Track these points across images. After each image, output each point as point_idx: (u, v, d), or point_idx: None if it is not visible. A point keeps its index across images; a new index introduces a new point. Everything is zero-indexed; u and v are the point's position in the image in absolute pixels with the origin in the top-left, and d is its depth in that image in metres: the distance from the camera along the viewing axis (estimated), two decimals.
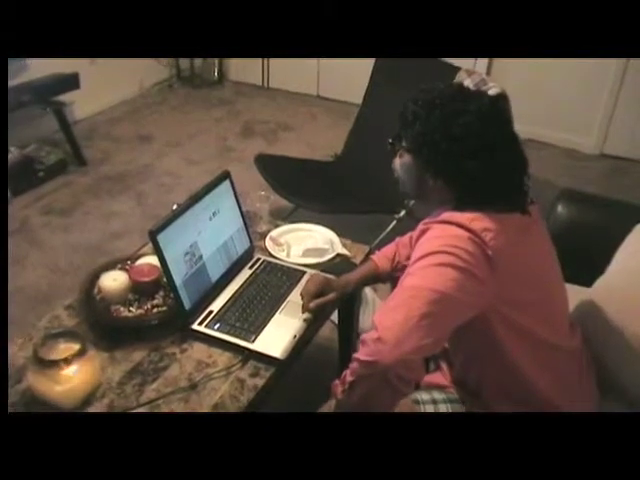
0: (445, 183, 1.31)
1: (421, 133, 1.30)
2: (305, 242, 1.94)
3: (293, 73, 4.92)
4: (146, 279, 1.62)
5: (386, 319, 1.21)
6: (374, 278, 1.72)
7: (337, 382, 1.31)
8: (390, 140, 1.39)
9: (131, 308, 1.59)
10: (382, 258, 1.70)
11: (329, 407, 1.35)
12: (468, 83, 2.71)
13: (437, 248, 1.23)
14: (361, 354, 1.22)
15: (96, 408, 1.36)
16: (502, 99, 2.65)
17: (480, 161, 1.26)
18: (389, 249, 1.72)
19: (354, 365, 1.24)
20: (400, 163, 1.38)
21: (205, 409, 1.35)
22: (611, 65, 3.86)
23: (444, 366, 1.56)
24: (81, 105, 4.24)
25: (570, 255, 1.57)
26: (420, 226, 1.36)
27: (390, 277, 1.69)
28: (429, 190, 1.34)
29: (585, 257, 1.84)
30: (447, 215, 1.28)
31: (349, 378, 1.26)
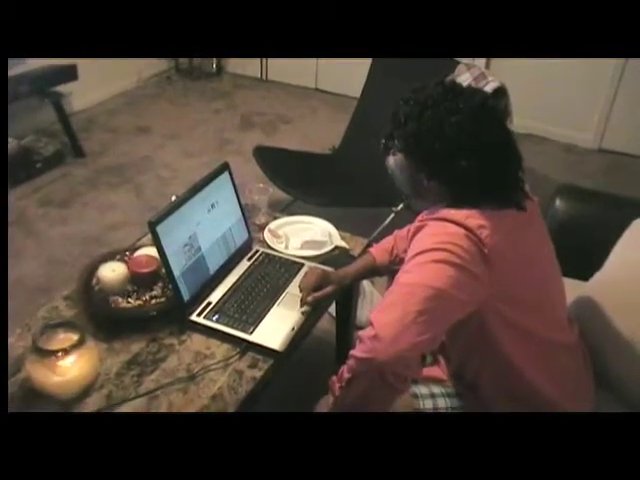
0: (439, 182, 1.31)
1: (413, 134, 1.29)
2: (304, 234, 1.95)
3: (292, 66, 4.90)
4: (145, 270, 1.62)
5: (383, 316, 1.21)
6: (372, 271, 1.72)
7: (334, 379, 1.31)
8: (383, 140, 1.38)
9: (130, 299, 1.59)
10: (380, 251, 1.70)
11: (327, 402, 1.35)
12: (467, 77, 2.71)
13: (433, 245, 1.23)
14: (358, 351, 1.22)
15: (94, 398, 1.36)
16: (500, 94, 2.66)
17: (473, 160, 1.26)
18: (387, 242, 1.72)
19: (351, 362, 1.24)
20: (393, 162, 1.37)
21: (204, 400, 1.36)
22: (610, 61, 3.86)
23: (442, 360, 1.56)
24: (79, 96, 4.22)
25: (568, 250, 1.57)
26: (416, 223, 1.36)
27: (388, 270, 1.69)
28: (423, 189, 1.34)
29: (583, 252, 1.84)
30: (443, 212, 1.28)
31: (346, 375, 1.26)
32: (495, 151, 1.28)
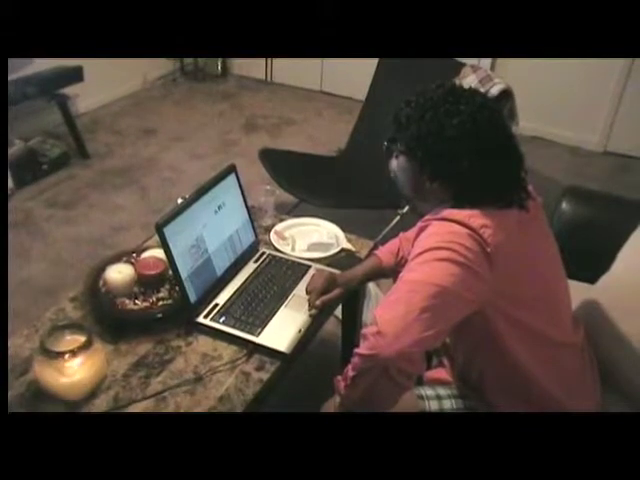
0: (441, 184, 1.32)
1: (415, 136, 1.30)
2: (310, 236, 1.95)
3: (297, 68, 4.91)
4: (152, 272, 1.62)
5: (386, 313, 1.22)
6: (378, 273, 1.72)
7: (339, 378, 1.32)
8: (385, 143, 1.39)
9: (136, 301, 1.59)
10: (386, 253, 1.71)
11: (333, 403, 1.36)
12: (473, 79, 2.71)
13: (436, 244, 1.24)
14: (362, 348, 1.22)
15: (102, 400, 1.36)
16: (506, 97, 2.66)
17: (475, 161, 1.27)
18: (393, 244, 1.72)
19: (355, 360, 1.25)
20: (396, 164, 1.38)
21: (211, 402, 1.36)
22: (616, 62, 3.86)
23: (447, 362, 1.56)
24: (85, 98, 4.24)
25: (575, 252, 1.57)
26: (419, 223, 1.37)
27: (394, 272, 1.69)
28: (426, 191, 1.35)
29: (590, 254, 1.84)
30: (446, 212, 1.29)
31: (351, 373, 1.26)
32: (496, 151, 1.29)
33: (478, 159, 1.27)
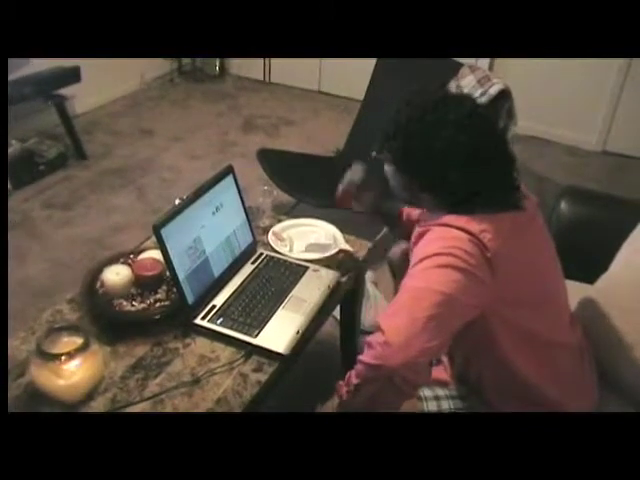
0: (432, 194, 1.32)
1: (402, 148, 1.30)
2: (308, 237, 1.95)
3: (295, 68, 4.91)
4: (149, 273, 1.61)
5: (392, 322, 1.21)
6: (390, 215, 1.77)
7: (341, 383, 1.31)
8: (374, 153, 1.38)
9: (134, 302, 1.58)
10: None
11: (332, 405, 1.35)
12: (471, 79, 2.70)
13: (437, 250, 1.24)
14: (367, 357, 1.21)
15: (99, 402, 1.35)
16: (505, 96, 2.66)
17: (465, 171, 1.26)
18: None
19: (360, 367, 1.24)
20: (388, 171, 1.38)
21: (208, 404, 1.35)
22: (614, 62, 3.85)
23: (446, 362, 1.56)
24: (82, 99, 4.22)
25: (573, 252, 1.57)
26: (418, 228, 1.36)
27: (406, 226, 1.69)
28: (418, 198, 1.36)
29: (588, 254, 1.84)
30: (445, 218, 1.29)
31: (354, 380, 1.25)
32: (487, 159, 1.28)
33: (468, 169, 1.26)
